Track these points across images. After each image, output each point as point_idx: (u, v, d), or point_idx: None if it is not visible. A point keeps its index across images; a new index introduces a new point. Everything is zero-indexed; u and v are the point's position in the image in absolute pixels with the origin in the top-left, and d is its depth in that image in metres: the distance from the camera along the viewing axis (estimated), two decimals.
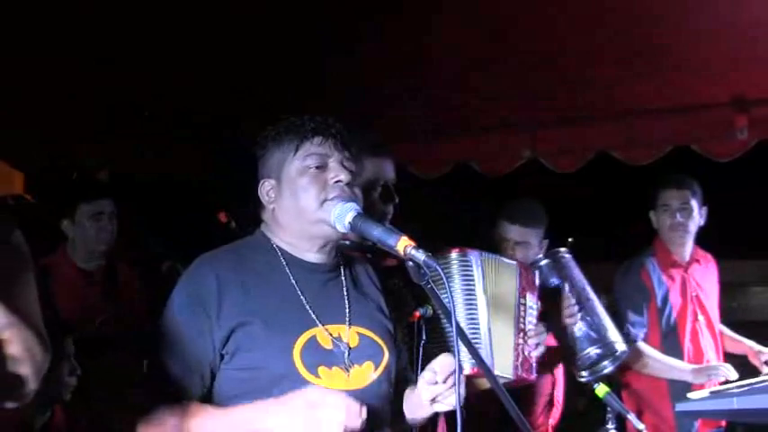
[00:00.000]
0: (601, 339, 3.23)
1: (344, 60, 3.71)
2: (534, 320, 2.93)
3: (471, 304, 2.75)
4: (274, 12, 3.30)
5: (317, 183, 2.08)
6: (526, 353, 2.88)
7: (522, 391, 3.24)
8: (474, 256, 2.80)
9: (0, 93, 3.68)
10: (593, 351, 3.21)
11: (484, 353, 2.71)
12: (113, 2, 3.14)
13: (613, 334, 3.25)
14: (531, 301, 2.93)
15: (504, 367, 2.78)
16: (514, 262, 2.95)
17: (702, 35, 3.46)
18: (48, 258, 3.85)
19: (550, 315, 3.16)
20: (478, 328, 2.74)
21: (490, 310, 2.77)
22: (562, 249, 3.34)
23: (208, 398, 2.06)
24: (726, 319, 4.33)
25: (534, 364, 2.91)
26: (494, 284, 2.82)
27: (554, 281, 3.31)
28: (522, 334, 2.86)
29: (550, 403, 3.56)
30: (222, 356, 2.04)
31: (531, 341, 2.91)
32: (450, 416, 2.54)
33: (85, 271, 3.85)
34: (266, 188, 2.17)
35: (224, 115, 4.32)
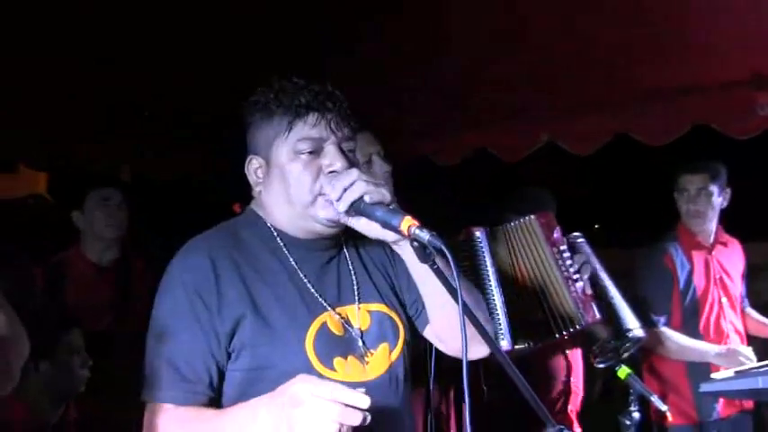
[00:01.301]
0: (617, 326, 3.20)
1: (349, 50, 3.66)
2: (572, 260, 2.91)
3: (487, 281, 2.75)
4: (274, 12, 3.28)
5: (311, 171, 1.87)
6: (581, 295, 2.88)
7: (535, 378, 3.23)
8: (481, 233, 2.81)
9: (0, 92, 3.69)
10: (609, 338, 3.17)
11: (508, 325, 2.74)
12: (113, 2, 3.11)
13: (631, 320, 3.21)
14: (561, 244, 2.91)
15: (569, 320, 2.82)
16: (531, 216, 2.94)
17: (718, 12, 3.40)
18: (62, 254, 3.87)
19: None
20: (494, 307, 2.74)
21: (526, 274, 2.77)
22: (576, 234, 3.31)
23: (216, 403, 1.85)
24: (753, 302, 4.28)
25: (593, 303, 2.89)
26: (516, 251, 2.82)
27: None
28: (569, 281, 2.86)
29: (567, 390, 3.49)
30: (229, 355, 1.84)
31: (580, 283, 2.89)
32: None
33: (99, 266, 3.85)
34: (254, 166, 1.97)
35: (224, 115, 4.31)
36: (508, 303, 2.84)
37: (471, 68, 3.94)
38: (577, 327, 2.84)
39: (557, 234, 2.96)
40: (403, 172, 2.92)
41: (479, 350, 1.92)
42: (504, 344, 2.79)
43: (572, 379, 3.50)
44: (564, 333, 2.92)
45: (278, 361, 1.83)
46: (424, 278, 1.96)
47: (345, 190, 1.81)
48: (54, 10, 3.05)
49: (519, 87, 4.18)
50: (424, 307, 2.05)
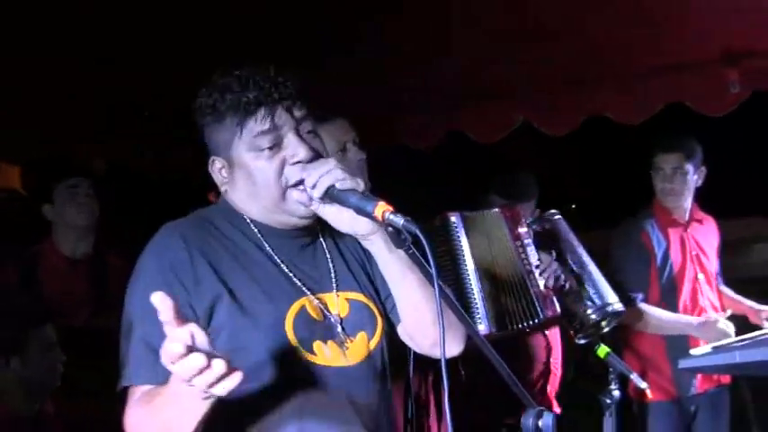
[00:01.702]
0: (597, 301, 3.21)
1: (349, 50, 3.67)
2: (536, 255, 2.92)
3: (460, 267, 2.76)
4: (274, 12, 3.26)
5: (274, 163, 1.82)
6: (542, 290, 2.89)
7: (517, 359, 3.24)
8: (456, 218, 2.81)
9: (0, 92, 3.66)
10: (589, 313, 3.19)
11: (478, 314, 2.75)
12: (113, 2, 3.10)
13: (610, 295, 3.22)
14: (526, 239, 2.93)
15: (529, 313, 2.84)
16: (496, 209, 2.95)
17: None
18: (35, 247, 3.83)
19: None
20: (471, 291, 2.75)
21: (494, 264, 2.78)
22: (553, 211, 3.31)
23: None
24: (732, 276, 4.32)
25: (554, 298, 2.91)
26: (487, 239, 2.83)
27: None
28: (531, 275, 2.87)
29: (547, 371, 3.50)
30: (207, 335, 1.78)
31: (543, 276, 2.91)
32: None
33: (71, 259, 3.81)
34: (217, 166, 1.91)
35: None
36: (483, 289, 2.85)
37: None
38: (536, 320, 2.87)
39: (521, 228, 2.98)
40: (378, 158, 2.90)
41: (450, 349, 1.90)
42: (482, 328, 2.80)
43: (552, 359, 3.51)
44: (524, 325, 2.93)
45: (257, 343, 1.79)
46: (394, 276, 1.93)
47: (321, 176, 1.77)
48: (54, 10, 3.03)
49: (492, 67, 4.17)
50: (395, 305, 2.01)
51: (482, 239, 2.96)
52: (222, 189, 1.94)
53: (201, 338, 1.48)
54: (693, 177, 4.04)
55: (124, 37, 3.37)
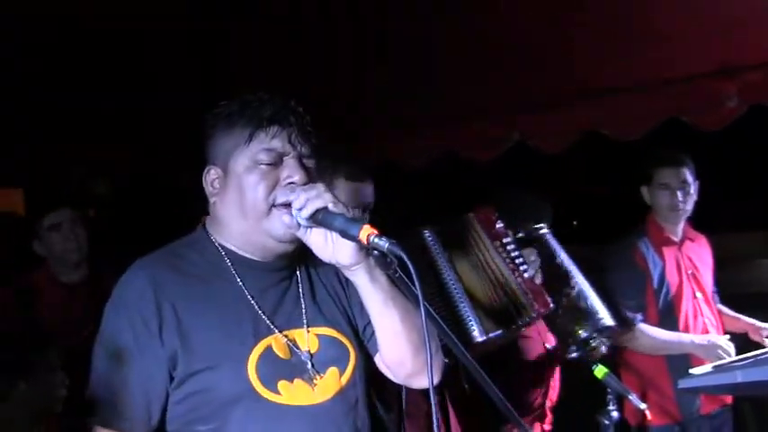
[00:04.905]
0: (587, 317, 3.17)
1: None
2: (518, 252, 2.91)
3: (443, 280, 2.74)
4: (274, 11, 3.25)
5: (268, 180, 1.86)
6: (531, 283, 2.88)
7: (516, 372, 3.25)
8: (428, 232, 2.85)
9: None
10: (580, 329, 3.14)
11: (476, 317, 2.75)
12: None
13: (600, 310, 3.18)
14: (504, 237, 2.91)
15: (522, 310, 2.82)
16: (468, 214, 2.96)
17: (682, 3, 3.38)
18: (32, 275, 3.82)
19: None
20: (457, 302, 2.73)
21: (477, 268, 2.82)
22: (540, 225, 3.26)
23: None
24: (732, 292, 4.26)
25: (543, 291, 2.89)
26: (465, 246, 2.83)
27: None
28: (515, 273, 2.86)
29: (546, 384, 3.46)
30: (172, 379, 1.84)
31: (529, 271, 2.90)
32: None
33: (68, 285, 3.80)
34: (211, 176, 1.94)
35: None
36: (471, 298, 2.82)
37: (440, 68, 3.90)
38: (532, 315, 2.86)
39: (498, 227, 2.96)
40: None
41: (424, 381, 1.88)
42: (476, 334, 2.76)
43: (550, 371, 3.48)
44: (518, 323, 2.90)
45: (218, 384, 1.82)
46: (375, 307, 1.93)
47: (309, 199, 1.78)
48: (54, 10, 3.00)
49: (489, 85, 4.13)
50: (374, 333, 2.01)
51: (459, 247, 2.96)
52: (211, 200, 1.96)
53: None
54: (694, 193, 3.99)
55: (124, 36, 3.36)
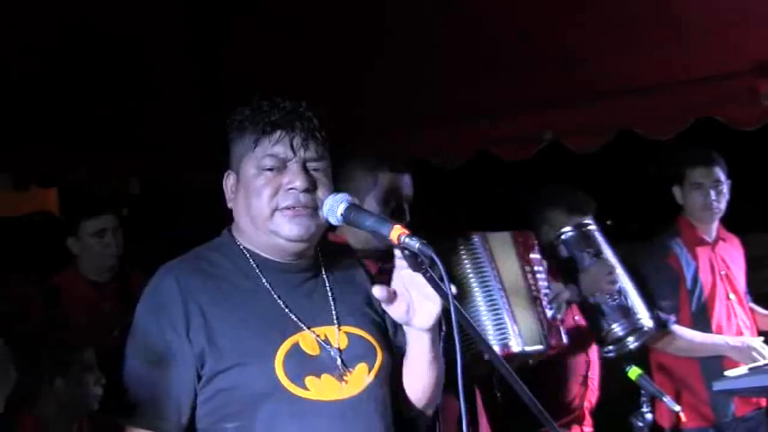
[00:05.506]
0: (627, 314, 3.16)
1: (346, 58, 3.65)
2: (546, 283, 2.90)
3: (487, 286, 2.74)
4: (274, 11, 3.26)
5: (271, 187, 1.89)
6: (550, 319, 2.87)
7: (555, 372, 3.25)
8: (477, 238, 2.79)
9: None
10: (617, 327, 3.13)
11: (509, 332, 2.74)
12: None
13: (640, 309, 3.16)
14: (537, 265, 2.90)
15: (532, 340, 2.79)
16: (506, 232, 2.93)
17: (717, 1, 3.35)
18: (58, 276, 3.85)
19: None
20: (500, 309, 2.72)
21: (504, 287, 2.77)
22: (587, 220, 3.26)
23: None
24: (762, 291, 4.20)
25: (562, 328, 2.89)
26: (500, 261, 2.82)
27: (579, 253, 3.25)
28: (538, 302, 2.85)
29: (585, 385, 3.47)
30: (200, 378, 1.87)
31: (551, 306, 2.89)
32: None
33: (98, 284, 3.85)
34: (230, 182, 1.99)
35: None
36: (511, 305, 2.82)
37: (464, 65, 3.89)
38: (540, 347, 2.83)
39: (533, 254, 2.94)
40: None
41: (428, 410, 2.12)
42: (514, 344, 2.76)
43: (590, 375, 3.49)
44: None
45: (245, 381, 1.84)
46: (420, 366, 2.01)
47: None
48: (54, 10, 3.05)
49: (522, 85, 4.11)
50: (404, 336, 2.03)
51: (501, 259, 2.93)
52: (229, 205, 2.01)
53: None
54: (727, 192, 3.95)
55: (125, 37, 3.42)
